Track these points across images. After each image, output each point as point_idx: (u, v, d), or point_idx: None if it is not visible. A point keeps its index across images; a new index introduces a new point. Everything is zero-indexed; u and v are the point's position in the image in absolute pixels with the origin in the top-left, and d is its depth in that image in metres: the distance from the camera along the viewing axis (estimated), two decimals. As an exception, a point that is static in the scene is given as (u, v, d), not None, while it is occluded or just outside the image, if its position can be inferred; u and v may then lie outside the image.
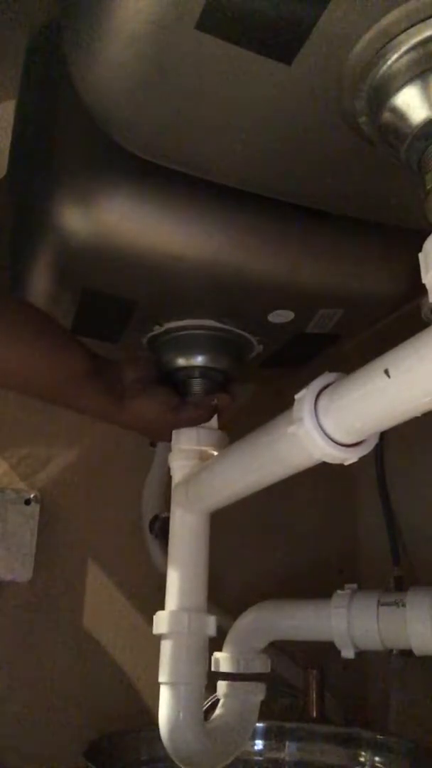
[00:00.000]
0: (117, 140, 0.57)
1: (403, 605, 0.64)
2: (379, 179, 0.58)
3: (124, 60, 0.47)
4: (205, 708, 0.73)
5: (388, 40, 0.43)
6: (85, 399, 0.72)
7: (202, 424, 0.78)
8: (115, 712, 0.98)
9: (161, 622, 0.71)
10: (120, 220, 0.64)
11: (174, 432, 0.78)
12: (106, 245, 0.65)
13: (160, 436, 0.82)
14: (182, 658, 0.70)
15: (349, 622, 0.68)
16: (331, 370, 0.51)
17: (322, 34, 0.43)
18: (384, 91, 0.46)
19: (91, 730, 0.90)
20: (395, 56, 0.44)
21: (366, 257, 0.73)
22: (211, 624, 0.72)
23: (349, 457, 0.50)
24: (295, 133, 0.52)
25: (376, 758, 0.89)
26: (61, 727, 0.96)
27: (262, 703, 0.79)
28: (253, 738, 0.93)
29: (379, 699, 1.09)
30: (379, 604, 0.67)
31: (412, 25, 0.42)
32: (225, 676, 0.78)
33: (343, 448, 0.49)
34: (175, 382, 0.81)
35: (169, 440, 0.79)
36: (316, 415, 0.49)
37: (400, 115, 0.46)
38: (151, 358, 0.83)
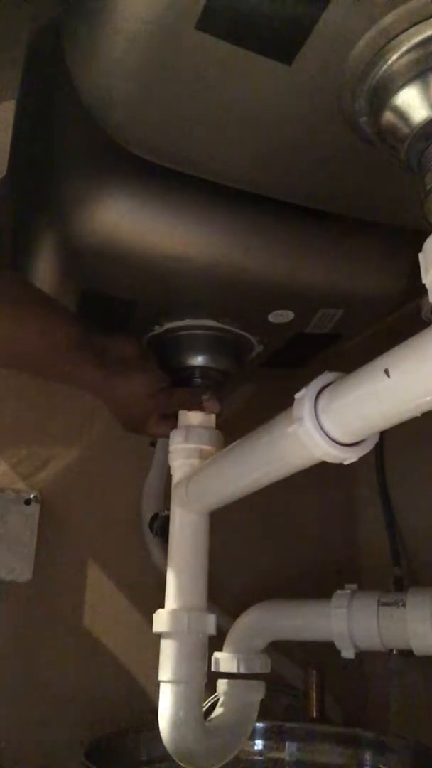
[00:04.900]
0: (117, 140, 0.57)
1: (403, 605, 0.65)
2: (379, 179, 0.58)
3: (123, 60, 0.47)
4: (206, 708, 0.73)
5: (388, 40, 0.43)
6: (75, 370, 0.71)
7: (201, 424, 0.78)
8: (115, 712, 0.98)
9: (161, 620, 0.71)
10: (120, 221, 0.64)
11: (171, 432, 0.78)
12: (106, 246, 0.65)
13: (142, 419, 0.78)
14: (182, 657, 0.70)
15: (349, 622, 0.68)
16: (331, 370, 0.51)
17: (322, 34, 0.43)
18: (384, 91, 0.46)
19: (91, 730, 0.90)
20: (395, 56, 0.44)
21: (366, 257, 0.74)
22: (210, 623, 0.72)
23: (349, 457, 0.50)
24: (295, 133, 0.52)
25: (377, 758, 0.89)
26: (61, 727, 0.96)
27: (262, 703, 0.79)
28: (253, 738, 0.93)
29: (379, 699, 1.09)
30: (379, 604, 0.67)
31: (412, 25, 0.42)
32: (225, 676, 0.78)
33: (343, 447, 0.50)
34: (175, 381, 0.81)
35: (149, 431, 0.78)
36: (316, 415, 0.49)
37: (400, 115, 0.46)
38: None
